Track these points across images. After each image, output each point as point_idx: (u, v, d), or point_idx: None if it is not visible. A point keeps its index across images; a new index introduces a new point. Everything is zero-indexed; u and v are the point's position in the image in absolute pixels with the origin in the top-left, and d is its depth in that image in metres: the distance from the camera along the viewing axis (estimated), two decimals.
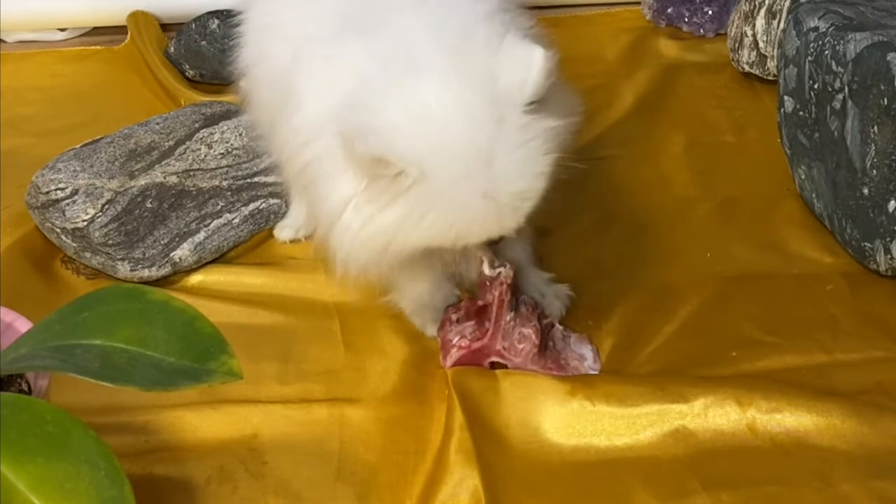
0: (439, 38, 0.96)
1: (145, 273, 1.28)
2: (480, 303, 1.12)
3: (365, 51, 0.97)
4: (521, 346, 1.12)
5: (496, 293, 1.10)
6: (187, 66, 1.74)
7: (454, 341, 1.13)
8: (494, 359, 1.13)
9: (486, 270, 1.10)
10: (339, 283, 1.17)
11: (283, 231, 1.37)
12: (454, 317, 1.14)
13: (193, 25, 1.74)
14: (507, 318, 1.11)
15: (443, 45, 0.95)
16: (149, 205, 1.33)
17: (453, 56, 0.94)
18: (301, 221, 1.36)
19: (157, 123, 1.42)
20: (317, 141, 0.99)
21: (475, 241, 1.00)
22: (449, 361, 1.13)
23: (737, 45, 1.68)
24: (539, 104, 0.94)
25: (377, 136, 0.91)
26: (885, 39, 1.18)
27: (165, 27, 1.86)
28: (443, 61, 0.94)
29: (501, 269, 1.10)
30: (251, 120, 1.31)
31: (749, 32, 1.65)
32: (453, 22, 0.97)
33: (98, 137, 1.39)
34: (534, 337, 1.12)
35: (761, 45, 1.63)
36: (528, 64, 0.92)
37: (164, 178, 1.35)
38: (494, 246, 1.11)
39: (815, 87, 1.29)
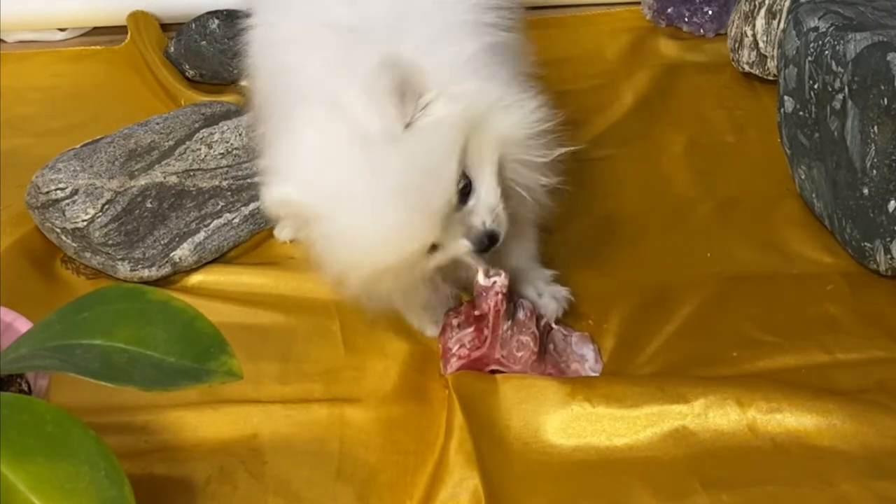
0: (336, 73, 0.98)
1: (145, 273, 1.28)
2: (477, 312, 1.12)
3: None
4: (519, 355, 1.12)
5: (491, 303, 1.10)
6: (187, 66, 1.74)
7: (454, 350, 1.13)
8: (494, 367, 1.13)
9: (481, 280, 1.10)
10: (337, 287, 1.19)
11: (284, 231, 1.37)
12: (455, 322, 1.14)
13: (193, 25, 1.74)
14: (505, 326, 1.11)
15: (331, 81, 0.98)
16: (149, 205, 1.33)
17: (335, 91, 0.96)
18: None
19: (157, 123, 1.42)
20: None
21: (411, 256, 0.99)
22: (449, 370, 1.13)
23: (737, 45, 1.68)
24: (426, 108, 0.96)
25: (282, 186, 0.97)
26: (885, 39, 1.18)
27: (165, 27, 1.86)
28: (324, 97, 0.97)
29: (496, 279, 1.09)
30: (251, 119, 1.32)
31: (749, 32, 1.65)
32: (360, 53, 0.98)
33: (98, 137, 1.39)
34: (532, 345, 1.12)
35: (761, 45, 1.63)
36: (379, 97, 0.93)
37: (164, 178, 1.35)
38: (493, 253, 1.11)
39: (815, 87, 1.29)
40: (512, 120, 1.00)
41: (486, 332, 1.12)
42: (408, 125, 0.95)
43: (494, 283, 1.10)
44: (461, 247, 1.01)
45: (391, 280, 1.03)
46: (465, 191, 0.98)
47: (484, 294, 1.10)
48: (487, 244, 1.01)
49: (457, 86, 0.97)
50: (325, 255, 1.01)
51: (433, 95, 0.96)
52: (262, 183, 0.99)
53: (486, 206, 1.00)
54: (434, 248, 0.99)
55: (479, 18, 1.05)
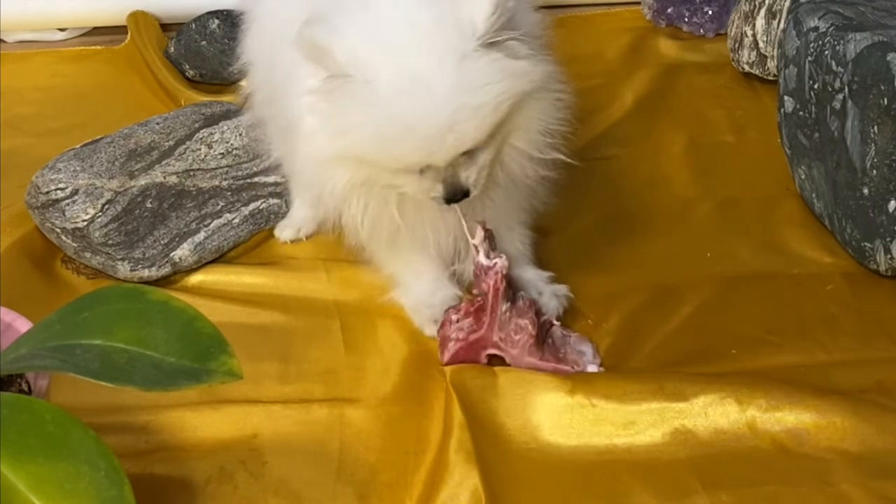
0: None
1: (145, 273, 1.28)
2: (476, 291, 1.12)
3: None
4: (517, 338, 1.12)
5: (491, 282, 1.11)
6: (187, 66, 1.74)
7: (452, 335, 1.14)
8: (491, 350, 1.13)
9: (482, 260, 1.11)
10: (339, 278, 1.18)
11: (284, 231, 1.37)
12: (454, 317, 1.15)
13: (193, 25, 1.75)
14: (503, 308, 1.12)
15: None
16: (149, 205, 1.33)
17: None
18: (301, 221, 1.36)
19: (157, 123, 1.42)
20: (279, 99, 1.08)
21: (405, 165, 1.01)
22: (447, 356, 1.14)
23: (737, 45, 1.68)
24: (497, 47, 0.98)
25: (327, 29, 0.96)
26: (885, 39, 1.18)
27: (165, 27, 1.86)
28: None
29: (497, 260, 1.10)
30: (251, 119, 1.32)
31: (749, 32, 1.65)
32: None
33: (98, 137, 1.39)
34: (530, 328, 1.12)
35: (761, 45, 1.63)
36: (483, 7, 0.96)
37: (164, 178, 1.35)
38: (490, 237, 1.11)
39: (815, 87, 1.29)
40: (543, 107, 1.05)
41: (484, 317, 1.12)
42: (492, 43, 0.97)
43: (495, 263, 1.10)
44: (434, 189, 1.03)
45: (365, 183, 1.05)
46: (485, 142, 1.01)
47: (484, 274, 1.11)
48: (458, 198, 1.04)
49: (535, 44, 1.01)
50: (331, 122, 1.00)
51: (519, 36, 0.99)
52: (309, 23, 0.97)
53: (479, 168, 1.03)
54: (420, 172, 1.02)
55: None
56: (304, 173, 1.10)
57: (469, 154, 1.01)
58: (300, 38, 0.96)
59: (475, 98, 0.97)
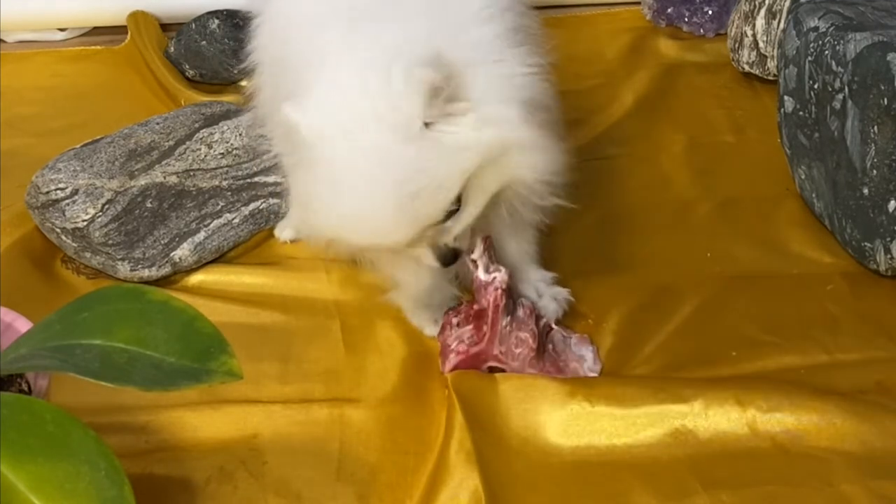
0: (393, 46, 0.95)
1: (145, 273, 1.28)
2: (477, 307, 1.12)
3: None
4: (518, 351, 1.12)
5: (491, 298, 1.10)
6: (187, 66, 1.74)
7: (452, 346, 1.13)
8: (492, 364, 1.13)
9: (481, 275, 1.10)
10: (339, 278, 1.19)
11: (284, 231, 1.37)
12: (454, 320, 1.14)
13: (193, 25, 1.74)
14: (504, 322, 1.11)
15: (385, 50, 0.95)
16: (149, 205, 1.33)
17: (388, 59, 0.93)
18: (301, 221, 1.36)
19: (157, 123, 1.42)
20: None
21: (381, 246, 1.00)
22: (447, 367, 1.13)
23: (737, 45, 1.68)
24: (452, 119, 0.94)
25: (299, 108, 0.94)
26: (885, 39, 1.18)
27: (165, 27, 1.86)
28: (376, 62, 0.94)
29: (496, 274, 1.10)
30: (251, 119, 1.32)
31: (749, 32, 1.65)
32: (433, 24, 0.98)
33: (98, 137, 1.39)
34: (531, 341, 1.12)
35: (761, 45, 1.63)
36: (416, 85, 0.91)
37: (164, 178, 1.35)
38: (490, 250, 1.11)
39: (815, 87, 1.30)
40: (530, 162, 0.99)
41: (484, 328, 1.12)
42: (428, 125, 0.93)
43: (494, 278, 1.10)
44: (425, 258, 1.02)
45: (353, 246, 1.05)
46: (452, 212, 0.98)
47: (483, 289, 1.11)
48: (450, 261, 1.03)
49: (490, 108, 0.95)
50: (302, 194, 1.01)
51: (465, 108, 0.94)
52: (285, 102, 0.96)
53: (460, 228, 1.00)
54: None
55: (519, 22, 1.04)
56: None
57: (438, 227, 0.98)
58: (281, 114, 0.96)
59: (420, 183, 0.93)
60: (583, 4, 1.92)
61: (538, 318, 1.15)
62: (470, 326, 1.13)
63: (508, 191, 1.03)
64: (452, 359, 1.13)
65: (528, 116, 0.98)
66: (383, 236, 0.97)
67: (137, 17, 1.83)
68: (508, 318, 1.12)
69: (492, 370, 1.14)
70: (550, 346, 1.15)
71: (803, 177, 1.38)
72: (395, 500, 1.02)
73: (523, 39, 1.03)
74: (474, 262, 1.10)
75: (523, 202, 1.07)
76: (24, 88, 1.73)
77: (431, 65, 0.91)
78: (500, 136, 0.96)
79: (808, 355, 1.16)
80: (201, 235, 1.32)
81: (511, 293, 1.13)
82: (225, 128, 1.42)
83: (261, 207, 1.38)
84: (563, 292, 1.22)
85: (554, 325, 1.17)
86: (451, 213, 0.98)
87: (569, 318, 1.21)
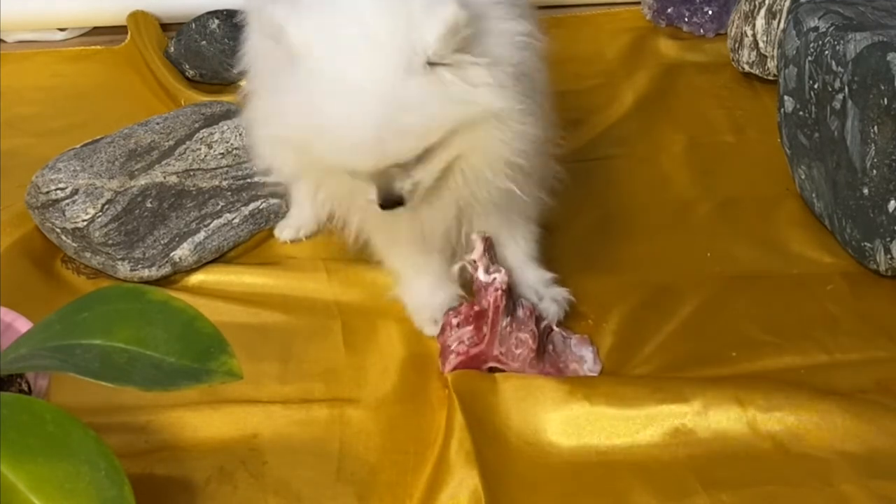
0: None
1: (145, 273, 1.28)
2: (477, 308, 1.12)
3: None
4: (518, 352, 1.12)
5: (491, 299, 1.10)
6: (187, 66, 1.74)
7: (452, 347, 1.13)
8: (492, 364, 1.13)
9: (481, 276, 1.10)
10: (340, 278, 1.18)
11: (284, 231, 1.37)
12: (454, 321, 1.14)
13: (193, 25, 1.75)
14: (504, 323, 1.11)
15: None
16: (149, 205, 1.33)
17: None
18: (301, 221, 1.36)
19: (157, 123, 1.42)
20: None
21: (332, 166, 0.99)
22: (447, 367, 1.13)
23: (737, 45, 1.68)
24: (449, 68, 0.94)
25: (289, 10, 0.94)
26: (885, 39, 1.18)
27: (165, 27, 1.86)
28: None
29: (497, 275, 1.10)
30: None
31: (749, 32, 1.65)
32: None
33: (98, 137, 1.39)
34: (531, 342, 1.12)
35: (761, 45, 1.63)
36: (440, 17, 0.91)
37: (164, 177, 1.35)
38: (491, 251, 1.11)
39: (815, 87, 1.29)
40: (503, 137, 0.99)
41: (484, 329, 1.12)
42: (432, 65, 0.92)
43: (494, 279, 1.10)
44: (369, 194, 1.00)
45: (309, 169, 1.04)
46: (418, 158, 0.97)
47: (483, 290, 1.11)
48: (391, 205, 1.00)
49: (493, 69, 0.95)
50: (276, 102, 0.99)
51: (471, 61, 0.94)
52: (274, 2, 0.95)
53: (415, 181, 0.99)
54: None
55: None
56: (256, 150, 1.08)
57: (402, 167, 0.98)
58: (262, 13, 0.96)
59: (406, 118, 0.93)
60: (583, 4, 1.92)
61: (538, 319, 1.15)
62: (470, 327, 1.13)
63: (465, 162, 1.01)
64: (452, 359, 1.13)
65: (516, 83, 0.98)
66: (352, 158, 0.96)
67: (137, 17, 1.83)
68: (508, 318, 1.12)
69: (492, 371, 1.14)
70: (550, 347, 1.15)
71: (803, 177, 1.38)
72: (395, 500, 1.02)
73: (516, 2, 1.04)
74: (474, 263, 1.10)
75: (473, 188, 1.05)
76: (24, 88, 1.73)
77: (458, 2, 0.91)
78: (491, 101, 0.96)
79: (808, 355, 1.16)
80: (201, 235, 1.32)
81: (511, 294, 1.12)
82: (225, 128, 1.42)
83: (261, 207, 1.38)
84: (562, 293, 1.22)
85: (555, 327, 1.17)
86: (416, 161, 0.97)
87: (569, 318, 1.21)
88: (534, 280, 1.22)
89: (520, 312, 1.13)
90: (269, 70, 1.04)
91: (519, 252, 1.21)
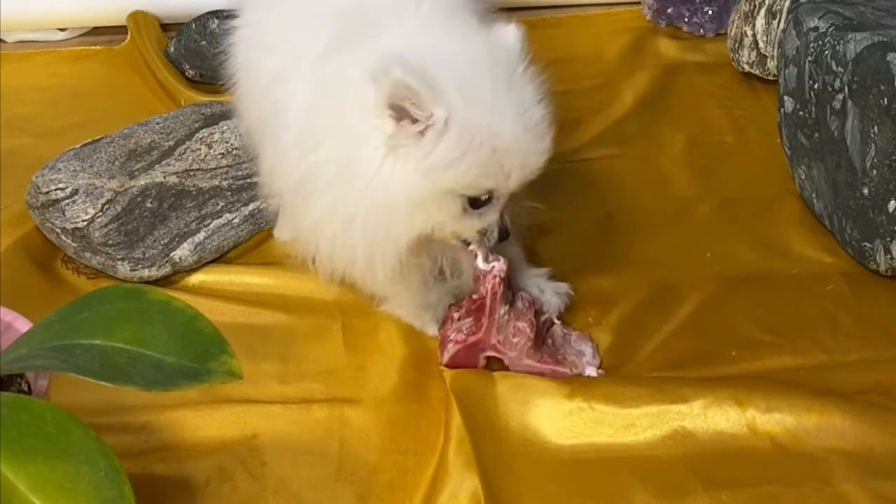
0: (441, 22, 1.05)
1: (145, 273, 1.28)
2: (476, 297, 1.13)
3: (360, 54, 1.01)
4: (515, 340, 1.12)
5: (489, 286, 1.11)
6: (187, 66, 1.74)
7: (451, 336, 1.14)
8: (490, 353, 1.14)
9: (480, 264, 1.11)
10: (338, 282, 1.19)
11: (284, 231, 1.37)
12: (455, 315, 1.15)
13: (193, 25, 1.74)
14: (502, 311, 1.12)
15: (449, 22, 1.05)
16: (149, 205, 1.33)
17: (463, 24, 1.05)
18: None
19: (157, 123, 1.42)
20: (316, 153, 1.04)
21: (506, 187, 1.04)
22: (446, 357, 1.14)
23: (737, 45, 1.68)
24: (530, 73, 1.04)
25: (409, 67, 0.96)
26: (885, 39, 1.18)
27: (165, 27, 1.86)
28: (458, 26, 1.04)
29: (495, 264, 1.11)
30: (242, 128, 1.32)
31: (749, 32, 1.65)
32: (445, 19, 1.06)
33: (98, 137, 1.39)
34: (528, 331, 1.12)
35: (761, 45, 1.63)
36: (515, 34, 1.04)
37: (164, 178, 1.35)
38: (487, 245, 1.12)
39: (815, 87, 1.29)
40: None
41: (483, 318, 1.12)
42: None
43: (493, 267, 1.11)
44: (489, 228, 1.07)
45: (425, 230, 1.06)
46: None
47: (482, 278, 1.11)
48: (504, 237, 1.09)
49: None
50: (422, 162, 1.00)
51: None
52: (389, 65, 0.97)
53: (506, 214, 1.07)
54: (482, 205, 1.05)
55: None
56: (378, 222, 1.05)
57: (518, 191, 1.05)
58: (389, 80, 0.96)
59: (545, 110, 1.02)
60: (583, 4, 1.92)
61: (538, 312, 1.15)
62: (470, 319, 1.14)
63: None
64: (450, 348, 1.13)
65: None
66: (520, 169, 1.03)
67: (137, 17, 1.83)
68: (507, 307, 1.12)
69: (490, 362, 1.14)
70: (550, 341, 1.16)
71: (803, 177, 1.38)
72: (395, 500, 1.02)
73: None
74: (474, 252, 1.11)
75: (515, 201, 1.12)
76: (24, 88, 1.73)
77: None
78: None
79: (808, 355, 1.16)
80: (201, 235, 1.32)
81: (510, 284, 1.13)
82: (225, 128, 1.42)
83: (261, 207, 1.38)
84: (563, 286, 1.23)
85: (555, 321, 1.17)
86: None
87: (569, 315, 1.22)
88: (534, 274, 1.23)
89: (519, 303, 1.14)
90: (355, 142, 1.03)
91: (514, 255, 1.22)
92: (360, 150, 1.01)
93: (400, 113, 0.98)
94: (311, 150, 1.05)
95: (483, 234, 1.07)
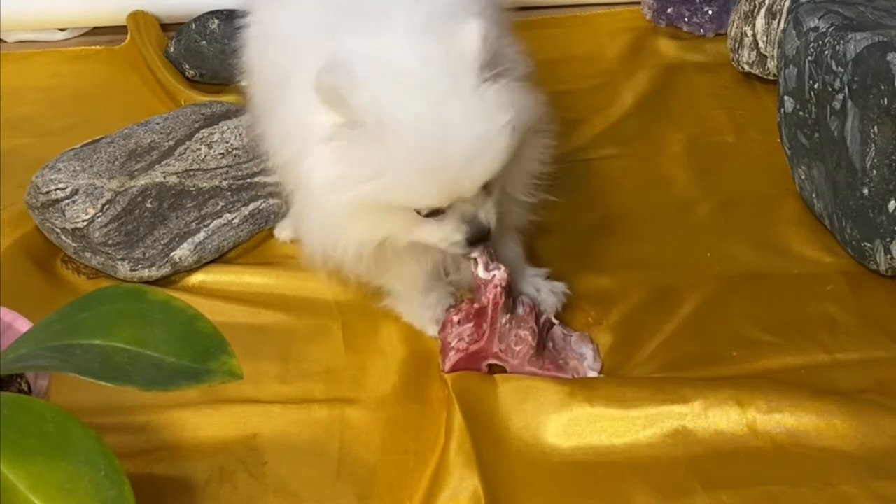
0: (412, 10, 1.00)
1: (145, 273, 1.28)
2: (477, 305, 1.12)
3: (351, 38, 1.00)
4: (517, 349, 1.12)
5: (490, 296, 1.10)
6: (187, 66, 1.74)
7: (452, 344, 1.14)
8: (492, 361, 1.13)
9: (481, 273, 1.10)
10: (339, 278, 1.19)
11: (284, 231, 1.37)
12: (455, 318, 1.15)
13: (193, 25, 1.74)
14: (503, 320, 1.11)
15: (413, 15, 0.99)
16: (149, 205, 1.33)
17: (419, 22, 0.99)
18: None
19: (157, 123, 1.42)
20: (290, 144, 1.04)
21: (432, 203, 0.99)
22: (447, 364, 1.13)
23: (737, 45, 1.68)
24: (496, 79, 0.97)
25: (346, 74, 0.94)
26: (885, 39, 1.18)
27: (165, 27, 1.86)
28: (408, 24, 0.98)
29: (496, 272, 1.10)
30: (250, 120, 1.32)
31: (749, 32, 1.65)
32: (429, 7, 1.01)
33: (98, 137, 1.39)
34: (530, 339, 1.12)
35: (761, 45, 1.63)
36: (471, 35, 0.96)
37: (164, 178, 1.35)
38: (489, 249, 1.11)
39: (815, 87, 1.29)
40: (535, 148, 1.06)
41: (484, 326, 1.12)
42: (492, 75, 0.96)
43: (494, 276, 1.10)
44: (458, 232, 1.02)
45: (380, 242, 1.03)
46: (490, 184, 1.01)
47: (483, 287, 1.11)
48: (482, 237, 1.03)
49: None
50: (351, 171, 0.97)
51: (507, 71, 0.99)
52: (326, 69, 0.94)
53: (492, 203, 1.02)
54: (436, 214, 1.00)
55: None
56: (317, 228, 1.05)
57: (485, 188, 1.00)
58: (318, 82, 0.94)
59: (492, 124, 0.96)
60: (583, 4, 1.92)
61: (538, 315, 1.15)
62: (470, 324, 1.13)
63: (506, 181, 1.05)
64: (452, 356, 1.13)
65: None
66: (455, 185, 0.97)
67: (137, 17, 1.83)
68: (508, 315, 1.12)
69: (492, 368, 1.14)
70: (550, 344, 1.16)
71: (803, 177, 1.38)
72: (395, 500, 1.02)
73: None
74: (474, 260, 1.11)
75: (511, 207, 1.11)
76: (24, 88, 1.73)
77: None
78: (542, 110, 1.06)
79: (808, 355, 1.16)
80: (201, 235, 1.32)
81: (511, 291, 1.13)
82: (225, 128, 1.42)
83: (261, 207, 1.38)
84: (560, 286, 1.23)
85: (554, 321, 1.17)
86: (488, 185, 1.01)
87: (569, 316, 1.22)
88: (531, 274, 1.23)
89: (520, 310, 1.13)
90: (316, 138, 1.00)
91: (512, 255, 1.22)
92: (313, 147, 0.99)
93: (336, 114, 0.95)
94: (286, 142, 1.05)
95: (446, 242, 1.03)
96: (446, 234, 1.02)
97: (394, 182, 0.96)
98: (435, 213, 1.00)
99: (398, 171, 0.95)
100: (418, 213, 1.00)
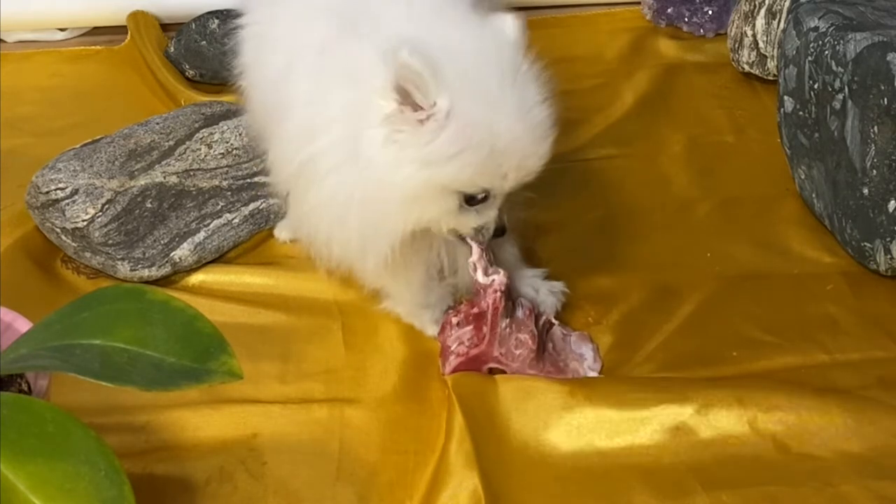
0: (443, 12, 1.03)
1: (145, 273, 1.28)
2: (476, 310, 1.12)
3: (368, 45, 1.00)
4: (518, 352, 1.12)
5: (490, 300, 1.10)
6: (187, 66, 1.74)
7: (452, 348, 1.14)
8: (492, 365, 1.13)
9: (480, 278, 1.10)
10: (339, 278, 1.19)
11: (284, 231, 1.37)
12: (454, 320, 1.14)
13: (193, 25, 1.75)
14: (503, 324, 1.11)
15: (451, 12, 1.03)
16: (149, 205, 1.33)
17: (463, 15, 1.03)
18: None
19: (157, 123, 1.42)
20: (318, 140, 1.03)
21: (495, 186, 1.02)
22: (448, 368, 1.13)
23: (737, 45, 1.68)
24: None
25: (425, 59, 0.95)
26: (885, 39, 1.18)
27: (165, 27, 1.86)
28: (459, 16, 1.02)
29: (495, 277, 1.10)
30: (249, 121, 1.32)
31: (749, 32, 1.65)
32: (446, 10, 1.04)
33: (98, 137, 1.39)
34: (530, 342, 1.12)
35: (761, 45, 1.63)
36: (512, 25, 1.02)
37: (164, 178, 1.35)
38: (488, 253, 1.11)
39: (815, 87, 1.29)
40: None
41: (484, 329, 1.12)
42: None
43: (493, 280, 1.10)
44: (493, 221, 1.06)
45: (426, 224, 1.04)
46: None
47: (483, 292, 1.11)
48: (501, 233, 1.08)
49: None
50: (418, 152, 0.98)
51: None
52: (403, 47, 0.95)
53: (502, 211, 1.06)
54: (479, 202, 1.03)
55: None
56: (373, 208, 1.04)
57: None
58: (397, 61, 0.94)
59: (541, 113, 1.00)
60: (583, 4, 1.92)
61: (538, 317, 1.15)
62: (470, 327, 1.13)
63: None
64: (452, 360, 1.13)
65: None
66: (518, 169, 1.01)
67: (137, 17, 1.83)
68: (508, 319, 1.12)
69: (492, 371, 1.14)
70: (550, 346, 1.15)
71: (803, 177, 1.38)
72: (395, 500, 1.02)
73: None
74: (473, 265, 1.10)
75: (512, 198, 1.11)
76: (24, 88, 1.73)
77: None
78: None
79: (808, 355, 1.16)
80: (201, 235, 1.32)
81: (510, 295, 1.13)
82: (225, 128, 1.42)
83: (261, 207, 1.38)
84: (558, 285, 1.23)
85: (554, 321, 1.17)
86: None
87: (569, 315, 1.22)
88: (530, 274, 1.23)
89: (519, 313, 1.13)
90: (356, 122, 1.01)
91: (510, 257, 1.22)
92: (363, 131, 0.99)
93: (404, 97, 0.96)
94: (313, 139, 1.04)
95: (479, 230, 1.06)
96: (484, 222, 1.05)
97: (465, 165, 0.98)
98: (478, 202, 1.03)
99: (471, 154, 0.97)
100: (467, 201, 1.02)
